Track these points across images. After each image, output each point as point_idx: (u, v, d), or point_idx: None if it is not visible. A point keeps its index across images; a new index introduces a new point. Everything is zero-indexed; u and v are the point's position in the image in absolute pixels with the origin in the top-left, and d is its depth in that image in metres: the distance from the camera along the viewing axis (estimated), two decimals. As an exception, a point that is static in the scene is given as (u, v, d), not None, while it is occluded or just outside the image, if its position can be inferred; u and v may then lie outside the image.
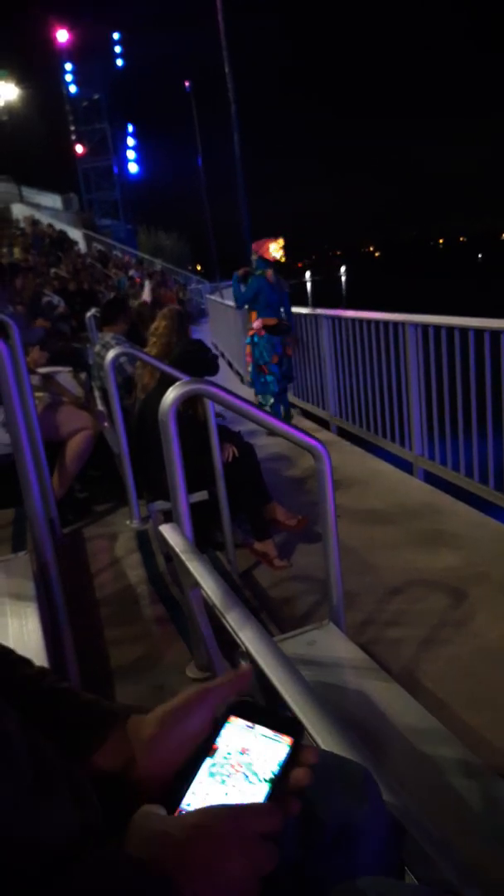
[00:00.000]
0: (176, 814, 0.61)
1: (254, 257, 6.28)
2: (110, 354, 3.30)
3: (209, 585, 1.39)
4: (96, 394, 4.70)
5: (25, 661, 0.76)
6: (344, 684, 1.67)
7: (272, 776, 0.61)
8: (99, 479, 4.11)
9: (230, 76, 14.55)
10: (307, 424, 6.57)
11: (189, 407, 3.14)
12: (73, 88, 47.25)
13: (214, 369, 3.71)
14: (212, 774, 0.62)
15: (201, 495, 3.34)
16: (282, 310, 6.19)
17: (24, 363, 3.02)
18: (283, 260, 6.35)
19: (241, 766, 0.62)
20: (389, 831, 0.79)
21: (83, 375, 4.70)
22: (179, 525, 1.84)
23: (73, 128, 47.52)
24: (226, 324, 11.31)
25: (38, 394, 3.66)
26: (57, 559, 1.89)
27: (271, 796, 0.60)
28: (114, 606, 2.57)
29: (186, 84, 25.44)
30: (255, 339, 6.23)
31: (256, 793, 0.60)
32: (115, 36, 48.96)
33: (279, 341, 6.11)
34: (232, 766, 0.62)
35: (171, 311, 4.27)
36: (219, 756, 0.63)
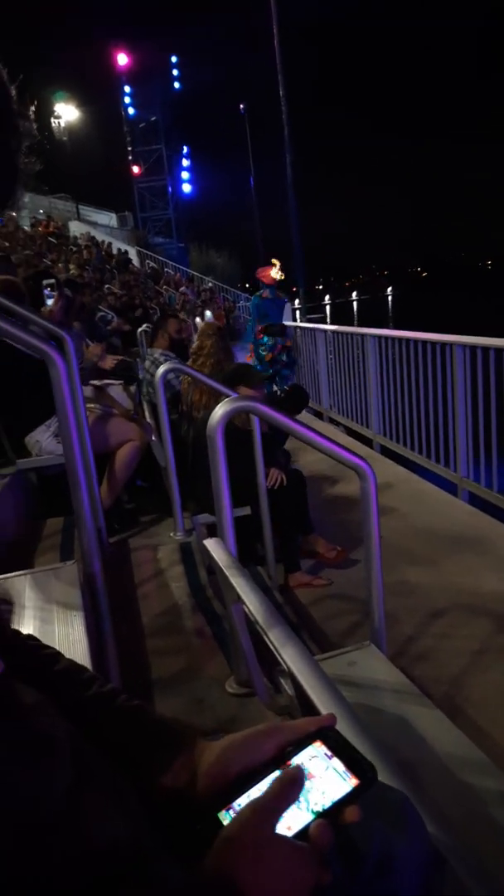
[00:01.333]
0: (226, 809, 0.62)
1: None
2: (161, 370, 3.36)
3: (252, 601, 1.40)
4: (145, 407, 4.79)
5: (98, 679, 0.77)
6: (383, 708, 1.65)
7: (321, 810, 0.60)
8: (147, 491, 4.18)
9: (284, 100, 14.73)
10: (348, 441, 6.55)
11: (245, 423, 3.18)
12: (131, 110, 48.57)
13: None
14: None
15: (244, 510, 3.37)
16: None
17: (78, 378, 3.11)
18: (282, 278, 8.45)
19: None
20: (429, 862, 0.78)
21: (133, 388, 4.80)
22: (223, 539, 1.86)
23: (130, 148, 48.78)
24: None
25: (90, 405, 3.76)
26: (103, 569, 1.93)
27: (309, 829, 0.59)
28: (156, 617, 2.60)
29: (241, 106, 25.84)
30: (259, 341, 8.18)
31: (298, 820, 0.60)
32: (173, 59, 50.19)
33: (277, 339, 8.14)
34: None
35: (212, 326, 4.32)
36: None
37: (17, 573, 1.79)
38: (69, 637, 1.41)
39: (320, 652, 2.59)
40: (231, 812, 0.62)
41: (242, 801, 0.62)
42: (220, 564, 1.66)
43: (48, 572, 1.79)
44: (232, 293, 29.42)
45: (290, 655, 1.19)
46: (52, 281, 4.11)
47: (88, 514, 1.76)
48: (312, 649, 2.52)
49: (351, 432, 6.90)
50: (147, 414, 4.41)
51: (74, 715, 0.69)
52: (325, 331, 8.06)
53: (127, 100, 48.36)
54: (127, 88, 48.23)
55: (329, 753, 0.64)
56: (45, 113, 33.55)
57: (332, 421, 7.74)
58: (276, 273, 8.26)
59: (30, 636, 0.80)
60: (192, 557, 3.07)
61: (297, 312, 18.03)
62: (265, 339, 8.21)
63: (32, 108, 0.52)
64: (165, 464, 3.46)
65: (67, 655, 1.35)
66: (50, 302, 3.86)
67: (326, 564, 3.57)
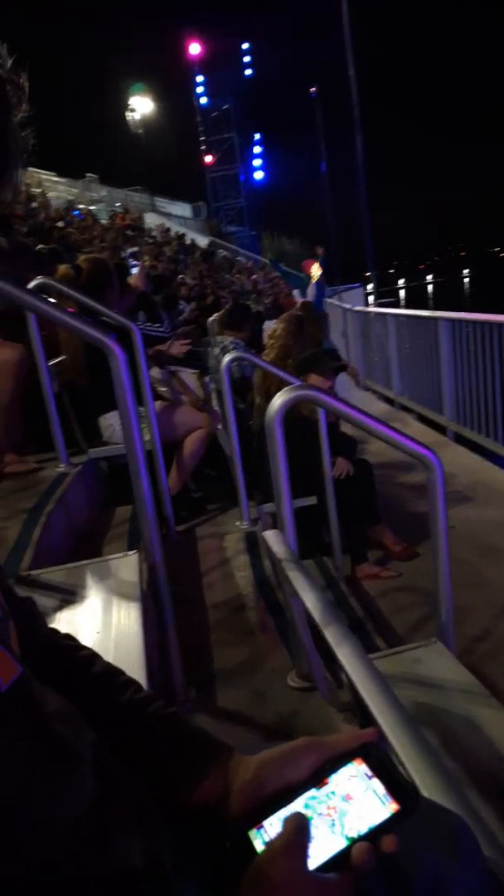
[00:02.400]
0: (257, 827, 0.59)
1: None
2: (226, 359, 3.36)
3: (309, 597, 1.37)
4: (213, 395, 4.81)
5: (134, 684, 0.75)
6: (448, 709, 1.58)
7: (356, 836, 0.57)
8: (214, 479, 4.20)
9: (354, 79, 14.43)
10: (419, 429, 6.38)
11: (312, 411, 3.14)
12: (203, 100, 48.82)
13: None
14: (307, 806, 0.59)
15: (310, 500, 3.32)
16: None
17: (145, 368, 3.14)
18: (320, 271, 10.56)
19: (335, 812, 0.58)
20: (487, 891, 0.72)
21: (206, 378, 4.83)
22: (283, 531, 1.83)
23: (202, 138, 49.09)
24: (343, 327, 11.21)
25: (161, 388, 3.80)
26: (166, 559, 1.94)
27: (342, 856, 0.56)
28: (220, 607, 2.60)
29: (312, 90, 25.49)
30: None
31: (332, 846, 0.56)
32: (244, 46, 49.99)
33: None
34: (328, 808, 0.59)
35: (291, 316, 4.29)
36: (324, 791, 0.60)
37: (81, 562, 1.82)
38: (129, 629, 1.41)
39: (386, 646, 2.53)
40: (262, 831, 0.59)
41: (275, 822, 0.59)
42: (279, 557, 1.63)
43: (111, 562, 1.81)
44: (304, 279, 29.14)
45: (345, 655, 1.15)
46: (136, 249, 4.20)
47: (150, 506, 1.76)
48: (377, 644, 2.46)
49: (423, 419, 6.72)
50: (215, 403, 4.42)
51: (106, 720, 0.68)
52: (396, 315, 7.86)
53: (199, 89, 48.64)
54: (199, 78, 48.47)
55: (370, 773, 0.60)
56: (120, 106, 34.17)
57: (403, 407, 7.55)
58: (315, 270, 10.48)
59: (67, 635, 0.79)
60: (257, 547, 3.05)
61: (370, 297, 17.72)
62: None
63: (25, 80, 0.49)
64: (231, 453, 3.45)
65: (124, 647, 1.36)
66: (135, 271, 3.92)
67: (394, 557, 3.50)
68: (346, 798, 0.59)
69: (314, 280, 10.56)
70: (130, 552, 1.83)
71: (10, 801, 0.47)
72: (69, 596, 1.61)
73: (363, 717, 1.10)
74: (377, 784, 0.59)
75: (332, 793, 0.60)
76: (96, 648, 1.42)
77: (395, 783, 0.59)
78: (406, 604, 3.07)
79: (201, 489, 3.95)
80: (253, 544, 3.14)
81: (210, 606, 2.62)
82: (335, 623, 1.26)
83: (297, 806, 0.59)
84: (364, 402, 8.41)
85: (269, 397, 3.69)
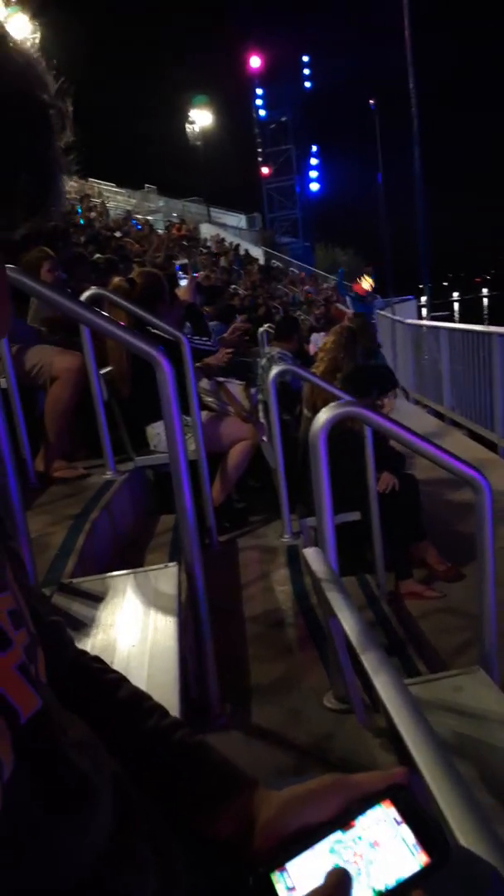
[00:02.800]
0: (279, 869, 0.58)
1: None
2: (273, 372, 3.35)
3: (347, 619, 1.34)
4: (259, 406, 4.81)
5: (159, 710, 0.73)
6: (489, 741, 1.53)
7: (383, 889, 0.54)
8: (258, 491, 4.19)
9: (414, 93, 14.34)
10: (470, 445, 6.24)
11: (357, 424, 3.11)
12: (262, 112, 49.24)
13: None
14: (332, 851, 0.57)
15: (353, 515, 3.28)
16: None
17: (193, 379, 3.17)
18: (370, 288, 11.70)
19: (361, 859, 0.56)
20: None
21: (252, 390, 4.84)
22: (323, 549, 1.81)
23: (260, 150, 49.49)
24: (394, 339, 11.09)
25: (207, 398, 3.83)
26: (208, 569, 1.94)
27: None
28: (259, 621, 2.59)
29: (371, 102, 25.42)
30: None
31: None
32: (304, 59, 50.26)
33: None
34: (354, 854, 0.56)
35: (342, 328, 4.26)
36: (350, 835, 0.58)
37: (120, 572, 1.84)
38: (161, 642, 1.42)
39: (427, 671, 2.47)
40: (285, 875, 0.57)
41: (299, 865, 0.57)
42: (319, 576, 1.61)
43: (151, 573, 1.82)
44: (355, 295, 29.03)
45: (382, 683, 1.12)
46: (185, 262, 4.26)
47: (191, 519, 1.76)
48: (418, 668, 2.40)
49: (474, 435, 6.58)
50: (261, 414, 4.42)
51: (130, 746, 0.67)
52: (449, 329, 7.74)
53: (258, 102, 49.08)
54: (259, 91, 48.93)
55: (399, 819, 0.58)
56: (180, 119, 34.77)
57: (453, 423, 7.42)
58: (366, 285, 11.75)
59: (96, 658, 0.78)
60: (298, 561, 3.03)
61: (423, 310, 17.50)
62: None
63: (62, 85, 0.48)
64: (275, 465, 3.44)
65: (156, 661, 1.37)
66: (183, 283, 3.97)
67: (438, 577, 3.42)
68: (374, 845, 0.56)
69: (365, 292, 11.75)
70: (171, 564, 1.84)
71: (24, 837, 0.47)
72: (107, 606, 1.62)
73: (398, 748, 1.07)
74: (406, 831, 0.56)
75: (359, 837, 0.57)
76: (131, 662, 1.43)
77: (426, 832, 0.56)
78: (449, 627, 2.99)
79: (244, 500, 3.95)
80: (294, 558, 3.11)
81: (249, 619, 2.60)
82: (373, 648, 1.23)
83: (322, 849, 0.57)
84: (413, 417, 8.29)
85: (315, 410, 3.69)
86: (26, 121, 0.43)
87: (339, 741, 1.83)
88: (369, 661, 1.20)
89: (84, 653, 0.77)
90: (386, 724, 1.19)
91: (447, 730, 1.63)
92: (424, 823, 0.57)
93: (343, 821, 0.59)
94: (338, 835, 0.58)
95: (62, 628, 0.76)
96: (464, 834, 0.77)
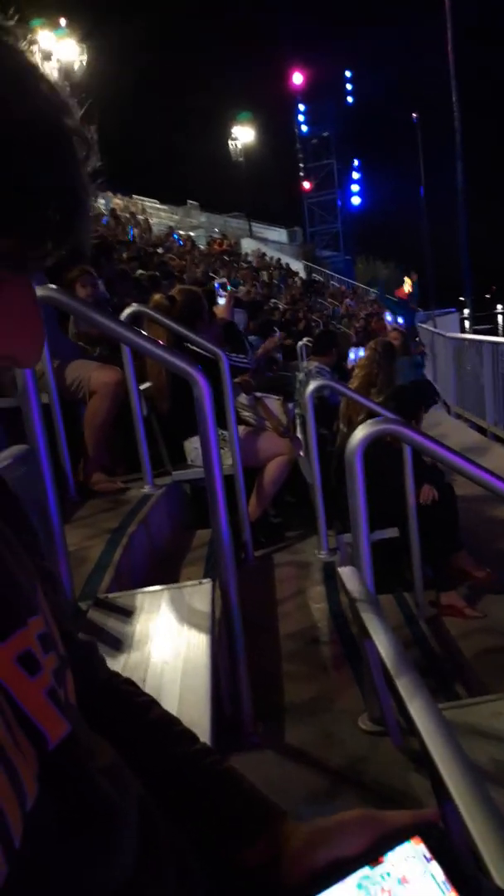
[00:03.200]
0: None
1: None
2: (310, 387, 3.35)
3: (382, 642, 1.32)
4: (297, 421, 4.81)
5: (188, 736, 0.73)
6: (530, 771, 1.48)
7: None
8: (294, 506, 4.18)
9: (457, 105, 14.27)
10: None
11: (395, 440, 3.08)
12: (304, 128, 49.57)
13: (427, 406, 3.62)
14: (360, 886, 0.56)
15: (392, 531, 3.24)
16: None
17: (231, 394, 3.19)
18: (410, 290, 12.33)
19: (389, 895, 0.55)
20: None
21: (290, 405, 4.84)
22: (359, 568, 1.79)
23: (301, 165, 49.80)
24: (435, 352, 10.97)
25: (245, 413, 3.84)
26: (243, 584, 1.94)
27: None
28: (294, 638, 2.57)
29: (414, 115, 25.39)
30: None
31: None
32: (347, 74, 50.46)
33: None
34: (382, 890, 0.55)
35: (378, 342, 4.24)
36: (378, 871, 0.56)
37: (155, 588, 1.85)
38: (194, 660, 1.42)
39: (466, 693, 2.41)
40: None
41: None
42: (354, 596, 1.59)
43: (185, 589, 1.83)
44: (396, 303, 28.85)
45: (416, 710, 1.09)
46: (224, 280, 4.30)
47: (226, 536, 1.77)
48: (458, 690, 2.35)
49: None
50: (298, 428, 4.42)
51: (157, 771, 0.67)
52: (492, 343, 7.63)
53: (300, 118, 49.44)
54: (301, 107, 49.30)
55: (428, 856, 0.56)
56: (222, 136, 35.25)
57: (496, 437, 7.28)
58: (407, 288, 12.44)
59: (127, 680, 0.78)
60: (334, 578, 3.00)
61: (466, 322, 17.28)
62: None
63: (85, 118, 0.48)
64: (312, 481, 3.43)
65: (188, 679, 1.37)
66: (221, 301, 4.01)
67: (482, 589, 3.31)
68: (402, 881, 0.55)
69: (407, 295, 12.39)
70: (205, 580, 1.84)
71: (49, 864, 0.47)
72: (141, 622, 1.63)
73: (432, 777, 1.04)
74: (436, 868, 0.55)
75: (388, 873, 0.56)
76: (164, 678, 1.44)
77: (456, 869, 0.55)
78: (490, 647, 2.91)
79: (281, 515, 3.94)
80: (331, 575, 3.09)
81: (284, 636, 2.59)
82: (408, 672, 1.21)
83: (350, 884, 0.56)
84: (455, 431, 8.17)
85: (351, 425, 3.67)
86: (53, 148, 0.44)
87: (373, 765, 1.80)
88: (404, 685, 1.18)
89: (115, 674, 0.77)
90: (420, 750, 1.16)
91: (486, 757, 1.59)
92: (455, 861, 0.55)
93: (372, 856, 0.57)
94: (366, 870, 0.56)
95: (94, 649, 0.77)
96: (498, 871, 0.75)
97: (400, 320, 12.86)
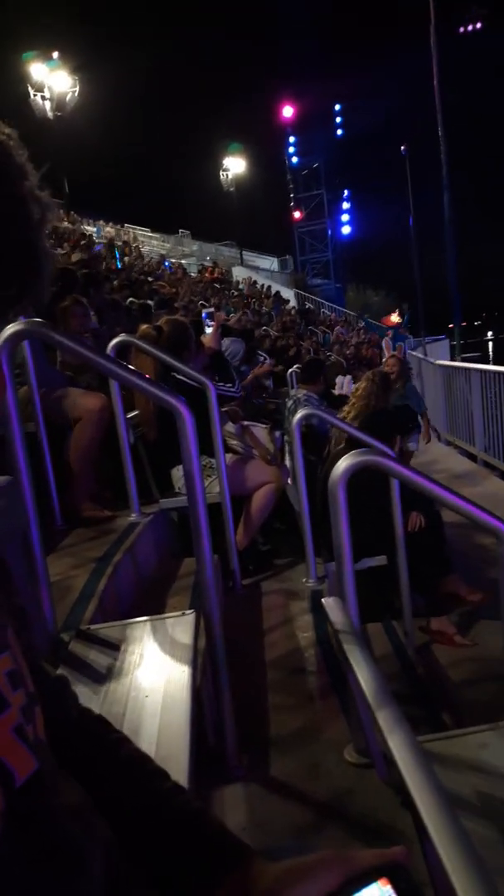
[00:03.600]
0: None
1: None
2: (297, 416, 3.37)
3: (363, 674, 1.32)
4: (286, 448, 4.83)
5: (160, 774, 0.72)
6: (514, 804, 1.47)
7: None
8: (283, 533, 4.17)
9: (443, 140, 14.62)
10: (500, 487, 6.15)
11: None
12: (294, 159, 50.51)
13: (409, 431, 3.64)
14: None
15: (380, 559, 3.24)
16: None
17: (218, 423, 3.20)
18: (400, 321, 16.03)
19: None
20: None
21: (277, 433, 4.86)
22: (343, 599, 1.79)
23: (292, 195, 50.63)
24: (425, 380, 11.07)
25: (232, 442, 3.85)
26: (231, 612, 1.93)
27: None
28: (280, 668, 2.55)
29: (402, 148, 25.95)
30: None
31: None
32: (336, 107, 51.55)
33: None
34: None
35: (375, 373, 4.27)
36: None
37: (138, 619, 1.83)
38: (175, 694, 1.41)
39: (453, 723, 2.39)
40: None
41: None
42: (337, 627, 1.59)
43: (168, 620, 1.82)
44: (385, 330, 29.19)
45: (396, 745, 1.09)
46: (212, 310, 4.34)
47: (209, 567, 1.77)
48: (445, 720, 2.33)
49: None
50: (287, 456, 4.43)
51: (127, 810, 0.66)
52: (481, 371, 7.71)
53: (291, 149, 50.38)
54: (291, 138, 50.26)
55: None
56: (214, 166, 35.83)
57: (486, 464, 7.32)
58: (395, 318, 12.74)
59: (99, 717, 0.78)
60: (322, 607, 2.99)
61: (453, 349, 17.48)
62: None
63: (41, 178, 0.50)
64: (300, 509, 3.43)
65: (167, 714, 1.36)
66: (209, 330, 4.04)
67: (476, 614, 3.28)
68: None
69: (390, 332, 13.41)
70: (188, 611, 1.83)
71: None
72: (124, 654, 1.62)
73: (413, 813, 1.03)
74: None
75: None
76: (144, 712, 1.42)
77: None
78: (479, 677, 2.89)
79: (269, 543, 3.94)
80: (318, 603, 3.07)
81: (270, 666, 2.57)
82: (389, 706, 1.21)
83: None
84: (445, 458, 8.21)
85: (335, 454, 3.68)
86: (13, 210, 0.46)
87: (359, 797, 1.78)
88: (384, 719, 1.17)
89: (88, 711, 0.77)
90: (401, 786, 1.16)
91: (470, 789, 1.58)
92: None
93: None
94: None
95: (66, 685, 0.77)
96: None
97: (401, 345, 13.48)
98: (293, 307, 21.44)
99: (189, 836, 0.66)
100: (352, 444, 3.45)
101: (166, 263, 22.20)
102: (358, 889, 0.57)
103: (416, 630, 3.16)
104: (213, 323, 4.04)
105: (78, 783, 0.64)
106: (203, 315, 3.89)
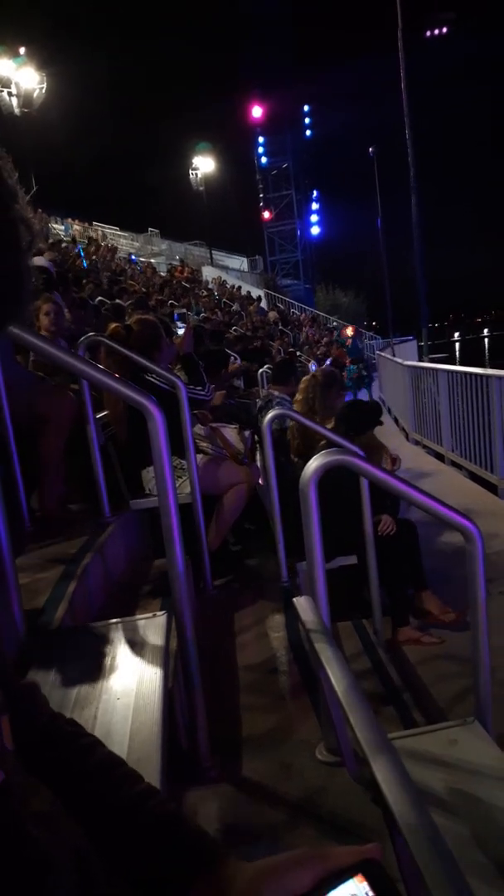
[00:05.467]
0: None
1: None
2: (267, 417, 3.38)
3: (335, 672, 1.32)
4: (257, 448, 4.83)
5: (132, 777, 0.72)
6: (483, 797, 1.49)
7: None
8: (254, 533, 4.17)
9: (410, 142, 14.80)
10: (469, 488, 6.23)
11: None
12: (263, 159, 50.62)
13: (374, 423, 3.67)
14: None
15: (350, 559, 3.26)
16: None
17: (189, 423, 3.19)
18: (352, 334, 18.69)
19: None
20: None
21: (247, 433, 4.86)
22: (314, 598, 1.80)
23: (261, 195, 50.73)
24: (394, 380, 11.18)
25: (202, 444, 3.84)
26: (202, 613, 1.93)
27: None
28: (252, 669, 2.56)
29: (370, 150, 26.15)
30: (349, 368, 15.78)
31: None
32: (305, 108, 51.80)
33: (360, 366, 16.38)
34: None
35: (320, 371, 4.28)
36: None
37: (109, 621, 1.82)
38: (147, 696, 1.40)
39: (423, 720, 2.42)
40: None
41: None
42: (308, 626, 1.59)
43: (139, 622, 1.81)
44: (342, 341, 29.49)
45: (367, 742, 1.10)
46: (184, 311, 4.30)
47: (181, 569, 1.76)
48: (414, 716, 2.36)
49: (475, 477, 6.57)
50: (258, 456, 4.44)
51: (99, 814, 0.66)
52: (447, 371, 7.81)
53: (260, 149, 50.48)
54: (261, 139, 50.36)
55: (370, 893, 0.57)
56: (183, 165, 35.70)
57: (453, 464, 7.42)
58: (349, 332, 17.72)
59: (71, 721, 0.77)
60: (293, 606, 3.00)
61: (420, 350, 17.72)
62: (352, 367, 16.26)
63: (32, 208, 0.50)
64: (271, 508, 3.44)
65: (140, 716, 1.35)
66: (181, 332, 4.01)
67: (438, 623, 3.36)
68: None
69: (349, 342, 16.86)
70: (160, 613, 1.83)
71: None
72: (94, 656, 1.61)
73: (384, 810, 1.05)
74: None
75: None
76: (115, 715, 1.41)
77: None
78: (448, 674, 2.94)
79: (240, 543, 3.94)
80: (290, 603, 3.08)
81: (242, 667, 2.57)
82: (360, 704, 1.22)
83: None
84: (413, 457, 8.30)
85: (298, 453, 3.70)
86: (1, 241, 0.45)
87: (330, 795, 1.79)
88: (355, 717, 1.18)
89: (59, 716, 0.76)
90: (372, 783, 1.17)
91: (441, 785, 1.60)
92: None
93: (315, 894, 0.58)
94: None
95: (35, 690, 0.76)
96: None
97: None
98: (274, 316, 21.47)
99: (163, 837, 0.66)
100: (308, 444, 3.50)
101: (133, 258, 22.06)
102: (334, 886, 0.58)
103: (386, 630, 3.19)
104: (184, 325, 4.02)
105: (49, 789, 0.64)
106: (174, 316, 3.85)
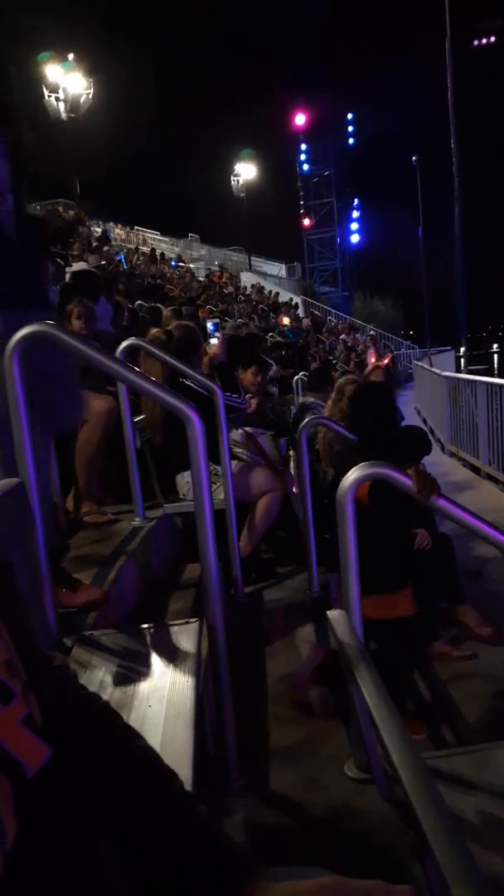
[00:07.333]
0: None
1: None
2: (303, 423, 3.36)
3: (368, 689, 1.31)
4: (291, 453, 4.81)
5: (171, 777, 0.70)
6: (517, 825, 1.45)
7: None
8: (286, 541, 4.15)
9: (455, 152, 14.67)
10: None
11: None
12: (305, 167, 50.68)
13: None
14: None
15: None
16: None
17: (224, 430, 3.20)
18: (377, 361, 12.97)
19: None
20: None
21: (281, 441, 4.85)
22: (349, 613, 1.78)
23: (302, 202, 50.78)
24: (430, 390, 11.05)
25: (237, 449, 3.84)
26: (232, 620, 1.92)
27: None
28: (281, 679, 2.53)
29: (413, 158, 26.03)
30: None
31: None
32: (349, 116, 51.73)
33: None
34: None
35: (347, 380, 4.24)
36: None
37: (142, 626, 1.83)
38: (178, 705, 1.39)
39: (455, 740, 2.37)
40: None
41: None
42: (341, 640, 1.58)
43: (172, 628, 1.81)
44: (394, 340, 29.23)
45: (401, 763, 1.08)
46: (218, 320, 4.31)
47: (215, 576, 1.76)
48: (446, 736, 2.31)
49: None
50: (292, 463, 4.42)
51: (132, 818, 0.65)
52: (487, 383, 7.69)
53: (302, 157, 50.56)
54: (303, 146, 50.45)
55: None
56: (225, 172, 35.96)
57: (489, 477, 7.30)
58: (372, 359, 14.50)
59: (106, 706, 0.74)
60: (324, 617, 2.97)
61: (461, 361, 17.49)
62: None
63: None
64: (304, 517, 3.42)
65: (170, 724, 1.34)
66: (214, 341, 4.02)
67: (474, 637, 3.28)
68: None
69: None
70: (192, 619, 1.83)
71: None
72: (126, 661, 1.61)
73: (416, 832, 1.02)
74: None
75: None
76: (147, 722, 1.41)
77: None
78: (482, 693, 2.87)
79: (272, 550, 3.92)
80: (319, 613, 3.06)
81: (271, 676, 2.55)
82: (394, 722, 1.19)
83: None
84: (449, 470, 8.19)
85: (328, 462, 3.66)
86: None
87: (358, 813, 1.76)
88: (389, 735, 1.16)
89: (94, 696, 0.74)
90: (404, 804, 1.14)
91: (472, 808, 1.56)
92: None
93: None
94: None
95: (65, 670, 0.74)
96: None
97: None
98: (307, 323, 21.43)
99: (194, 847, 0.64)
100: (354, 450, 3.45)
101: (172, 263, 22.26)
102: None
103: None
104: (219, 334, 4.01)
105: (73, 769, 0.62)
106: (211, 327, 3.82)
